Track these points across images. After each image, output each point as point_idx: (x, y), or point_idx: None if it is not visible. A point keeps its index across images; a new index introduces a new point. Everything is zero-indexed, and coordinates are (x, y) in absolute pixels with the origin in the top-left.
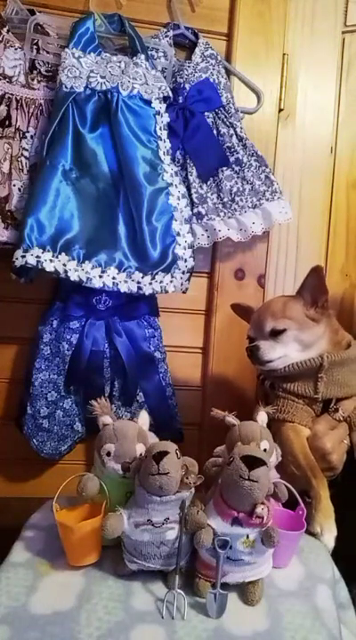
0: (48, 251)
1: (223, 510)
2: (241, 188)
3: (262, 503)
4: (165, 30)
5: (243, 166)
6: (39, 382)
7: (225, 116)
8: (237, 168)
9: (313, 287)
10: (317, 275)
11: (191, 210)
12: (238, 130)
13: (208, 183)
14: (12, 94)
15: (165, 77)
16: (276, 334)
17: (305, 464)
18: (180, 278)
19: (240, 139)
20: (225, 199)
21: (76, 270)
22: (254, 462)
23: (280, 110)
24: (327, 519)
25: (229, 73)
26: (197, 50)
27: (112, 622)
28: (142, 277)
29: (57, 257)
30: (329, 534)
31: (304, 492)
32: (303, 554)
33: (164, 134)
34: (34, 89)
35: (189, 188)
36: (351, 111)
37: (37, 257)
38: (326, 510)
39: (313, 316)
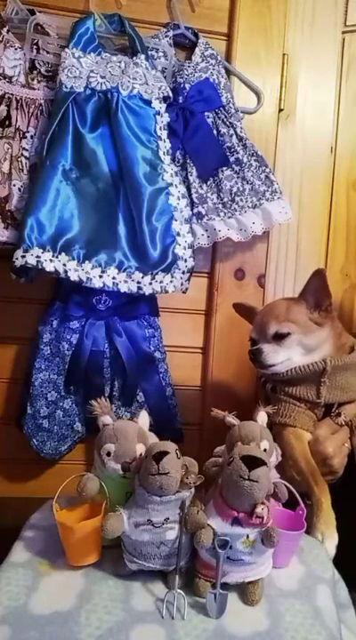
0: (48, 251)
1: (223, 510)
2: (241, 188)
3: (262, 503)
4: (165, 30)
5: (243, 166)
6: (39, 382)
7: (225, 116)
8: (237, 168)
9: (316, 291)
10: (320, 278)
11: (191, 210)
12: (238, 130)
13: (208, 183)
14: (12, 94)
15: (165, 77)
16: (280, 338)
17: (306, 469)
18: (180, 278)
19: (240, 139)
20: (225, 199)
21: (76, 270)
22: (254, 462)
23: (280, 110)
24: (328, 526)
25: (229, 73)
26: (197, 50)
27: (112, 622)
28: (142, 277)
29: (57, 257)
30: (331, 542)
31: (305, 494)
32: (303, 554)
33: (164, 134)
34: (34, 89)
35: (189, 188)
36: (351, 111)
37: (37, 257)
38: (327, 517)
39: (317, 320)
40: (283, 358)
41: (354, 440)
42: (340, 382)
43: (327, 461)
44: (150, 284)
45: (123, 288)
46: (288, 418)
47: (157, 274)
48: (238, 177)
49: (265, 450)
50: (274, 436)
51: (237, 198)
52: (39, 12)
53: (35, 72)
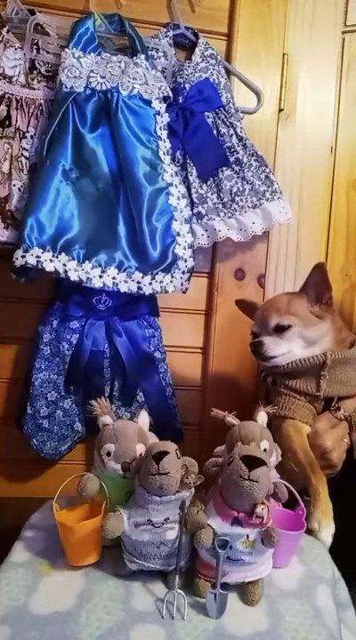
0: (48, 251)
1: (223, 510)
2: (241, 188)
3: (262, 503)
4: (165, 30)
5: (243, 166)
6: (39, 382)
7: (225, 116)
8: (237, 168)
9: (317, 284)
10: (320, 272)
11: (191, 210)
12: (238, 130)
13: (208, 183)
14: (12, 94)
15: (165, 77)
16: (280, 330)
17: (305, 461)
18: (180, 278)
19: (240, 139)
20: (225, 199)
21: (76, 270)
22: (254, 462)
23: (280, 110)
24: (325, 516)
25: (229, 73)
26: (197, 50)
27: (112, 622)
28: (142, 277)
29: (57, 257)
30: (327, 531)
31: (303, 489)
32: (303, 554)
33: (164, 134)
34: (34, 89)
35: (189, 188)
36: (351, 111)
37: (37, 257)
38: (324, 507)
39: (318, 313)
40: (284, 350)
41: (353, 436)
42: (340, 376)
43: (326, 455)
44: (150, 283)
45: (123, 288)
46: (288, 410)
47: (157, 274)
48: (238, 177)
49: (265, 450)
50: (273, 428)
51: (237, 198)
52: (39, 11)
53: (35, 72)
